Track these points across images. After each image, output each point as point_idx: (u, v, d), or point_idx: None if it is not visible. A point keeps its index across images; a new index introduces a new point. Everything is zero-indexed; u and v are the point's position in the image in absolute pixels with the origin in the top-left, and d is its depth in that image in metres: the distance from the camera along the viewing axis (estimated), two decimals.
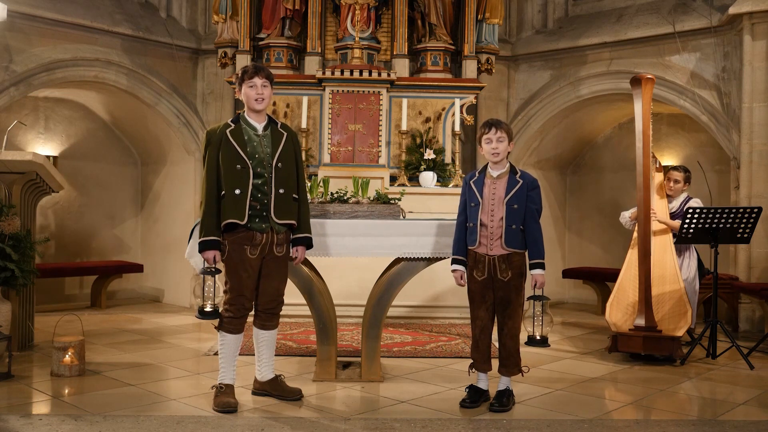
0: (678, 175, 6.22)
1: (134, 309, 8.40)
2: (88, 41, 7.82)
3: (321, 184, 5.24)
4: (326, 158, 7.87)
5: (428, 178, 7.76)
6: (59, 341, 4.96)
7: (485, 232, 4.15)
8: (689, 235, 5.73)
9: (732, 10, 7.13)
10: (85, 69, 7.79)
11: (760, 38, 7.03)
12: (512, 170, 4.22)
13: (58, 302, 8.36)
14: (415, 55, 8.36)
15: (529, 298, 4.19)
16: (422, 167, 7.82)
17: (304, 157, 7.88)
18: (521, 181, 4.15)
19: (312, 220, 4.69)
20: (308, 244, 4.34)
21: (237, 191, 4.07)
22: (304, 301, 4.90)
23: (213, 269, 4.14)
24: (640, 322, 5.65)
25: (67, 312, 6.95)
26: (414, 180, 7.86)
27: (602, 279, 8.55)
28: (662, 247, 5.89)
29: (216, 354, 5.78)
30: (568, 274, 8.98)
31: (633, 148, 5.98)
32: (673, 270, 5.80)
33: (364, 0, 8.07)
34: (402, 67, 8.12)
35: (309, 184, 5.26)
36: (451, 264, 4.33)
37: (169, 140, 8.80)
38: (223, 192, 4.10)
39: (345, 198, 5.10)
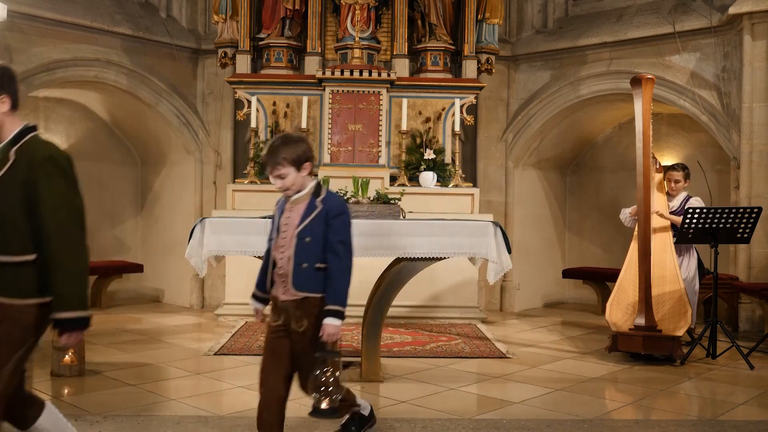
0: (678, 175, 6.21)
1: (134, 309, 8.40)
2: (88, 41, 7.82)
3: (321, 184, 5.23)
4: (326, 158, 7.87)
5: (428, 178, 7.76)
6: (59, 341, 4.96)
7: (278, 271, 3.28)
8: (689, 235, 5.73)
9: (732, 10, 7.13)
10: (85, 69, 7.79)
11: (760, 38, 7.03)
12: (315, 193, 3.27)
13: None
14: (415, 55, 8.36)
15: (316, 354, 3.18)
16: (422, 167, 7.82)
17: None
18: (320, 207, 3.22)
19: None
20: (75, 326, 2.78)
21: None
22: None
23: None
24: (640, 321, 5.65)
25: None
26: (414, 180, 7.86)
27: (602, 279, 8.54)
28: (662, 247, 5.89)
29: (216, 354, 5.79)
30: (568, 274, 8.98)
31: (633, 148, 5.98)
32: (673, 270, 5.81)
33: (364, 0, 8.07)
34: (402, 67, 8.12)
35: None
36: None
37: (169, 140, 8.80)
38: None
39: (345, 198, 5.11)
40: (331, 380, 3.15)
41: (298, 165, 3.22)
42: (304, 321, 3.21)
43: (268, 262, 3.34)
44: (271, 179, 3.27)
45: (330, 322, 3.15)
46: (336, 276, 3.19)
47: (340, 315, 3.16)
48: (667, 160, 8.32)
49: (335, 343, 3.21)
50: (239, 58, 8.11)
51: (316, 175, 7.22)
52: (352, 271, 3.23)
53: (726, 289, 7.10)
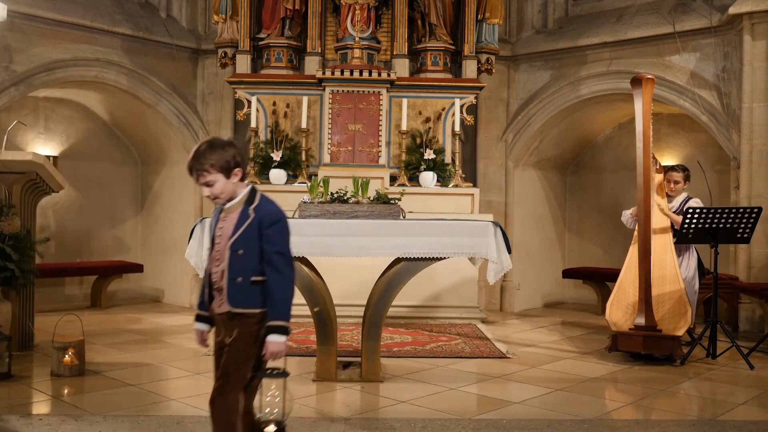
0: (677, 176, 6.22)
1: (134, 309, 8.40)
2: (88, 41, 7.82)
3: (321, 184, 5.24)
4: (326, 158, 7.87)
5: (428, 178, 7.76)
6: (59, 341, 4.96)
7: (214, 285, 3.07)
8: (689, 235, 5.73)
9: (732, 10, 7.12)
10: (85, 69, 7.79)
11: (760, 38, 7.03)
12: (248, 200, 3.05)
13: (58, 302, 8.35)
14: (415, 55, 8.36)
15: (258, 375, 3.00)
16: (422, 167, 7.82)
17: (304, 157, 7.86)
18: (253, 216, 2.98)
19: (312, 220, 4.69)
20: None
21: None
22: (303, 301, 4.90)
23: None
24: (640, 321, 5.65)
25: (67, 312, 6.94)
26: (414, 180, 7.86)
27: (602, 279, 8.55)
28: (662, 247, 5.89)
29: None
30: (568, 274, 8.98)
31: (633, 148, 5.98)
32: (673, 270, 5.81)
33: (364, 0, 8.07)
34: (402, 67, 8.12)
35: (309, 184, 5.25)
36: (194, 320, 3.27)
37: (169, 140, 8.80)
38: None
39: (345, 198, 5.10)
40: (276, 402, 2.91)
41: (226, 171, 2.98)
42: (234, 331, 3.00)
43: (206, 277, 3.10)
44: (200, 188, 3.02)
45: (273, 339, 2.89)
46: (275, 290, 2.92)
47: (283, 331, 2.90)
48: (667, 160, 8.32)
49: (282, 360, 2.95)
50: (239, 58, 8.11)
51: (316, 176, 7.22)
52: (294, 282, 2.98)
53: (726, 289, 7.10)
